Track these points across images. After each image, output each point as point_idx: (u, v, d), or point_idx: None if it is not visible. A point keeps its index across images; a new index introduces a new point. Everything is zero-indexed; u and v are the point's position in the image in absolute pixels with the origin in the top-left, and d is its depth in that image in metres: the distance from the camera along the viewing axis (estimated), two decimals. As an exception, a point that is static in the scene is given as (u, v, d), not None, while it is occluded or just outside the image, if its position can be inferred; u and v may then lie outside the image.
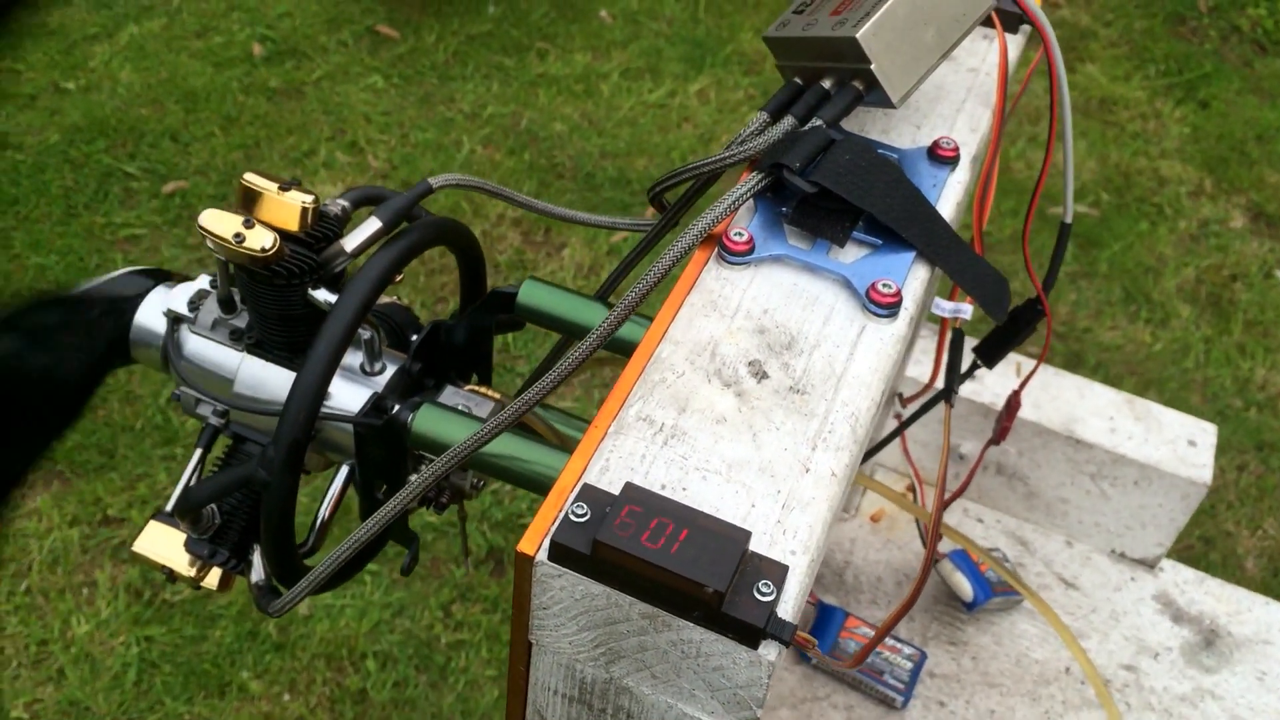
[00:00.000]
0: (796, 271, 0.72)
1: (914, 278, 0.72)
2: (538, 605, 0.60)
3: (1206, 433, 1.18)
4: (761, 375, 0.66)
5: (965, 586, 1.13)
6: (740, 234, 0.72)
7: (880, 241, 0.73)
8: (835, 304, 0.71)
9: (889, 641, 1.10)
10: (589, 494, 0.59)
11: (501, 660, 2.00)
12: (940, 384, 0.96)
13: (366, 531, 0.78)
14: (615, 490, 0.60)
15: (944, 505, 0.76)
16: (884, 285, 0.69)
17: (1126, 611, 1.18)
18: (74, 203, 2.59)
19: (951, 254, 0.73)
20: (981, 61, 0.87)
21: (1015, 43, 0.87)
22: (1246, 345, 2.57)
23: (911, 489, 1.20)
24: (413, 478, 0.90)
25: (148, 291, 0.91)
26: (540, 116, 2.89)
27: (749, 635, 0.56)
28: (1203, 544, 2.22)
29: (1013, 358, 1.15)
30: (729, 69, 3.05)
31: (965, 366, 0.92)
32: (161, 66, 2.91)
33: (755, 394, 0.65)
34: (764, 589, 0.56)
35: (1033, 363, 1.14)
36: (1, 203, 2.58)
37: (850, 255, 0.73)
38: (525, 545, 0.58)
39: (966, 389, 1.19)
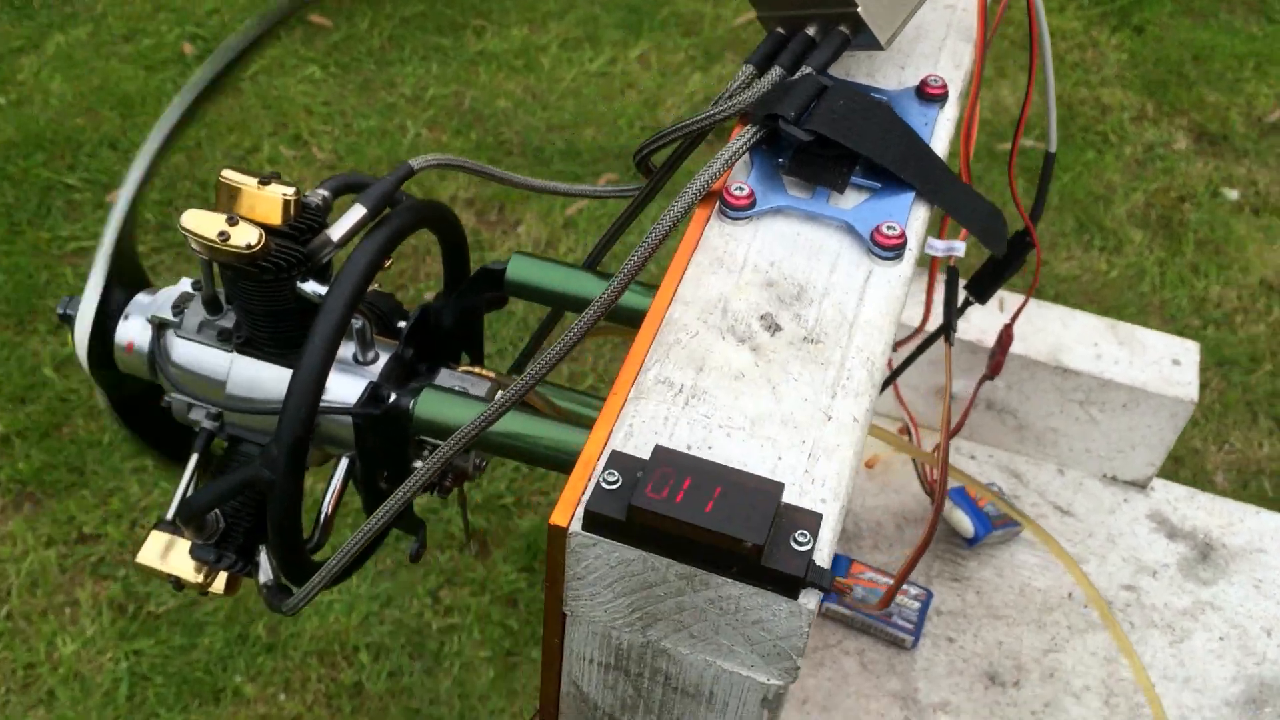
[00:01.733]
0: (799, 221, 0.72)
1: (915, 218, 0.72)
2: (572, 576, 0.60)
3: (1189, 351, 1.20)
4: (775, 328, 0.66)
5: (966, 523, 1.15)
6: (741, 188, 0.72)
7: (879, 185, 0.73)
8: (840, 250, 0.71)
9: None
10: (618, 460, 0.59)
11: (494, 640, 2.00)
12: (930, 325, 0.97)
13: (379, 520, 0.78)
14: (642, 455, 0.60)
15: (944, 446, 0.77)
16: (888, 228, 0.70)
17: (1122, 533, 1.20)
18: (17, 220, 2.54)
19: (949, 191, 0.73)
20: (955, -2, 0.87)
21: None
22: (1199, 264, 2.60)
23: (906, 431, 1.21)
24: (417, 464, 0.89)
25: (128, 301, 0.90)
26: (483, 94, 2.87)
27: (789, 586, 0.56)
28: (1172, 462, 2.26)
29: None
30: (668, 32, 3.03)
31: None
32: (92, 74, 2.85)
33: (770, 347, 0.65)
34: (800, 539, 0.56)
35: (1014, 297, 1.15)
36: (-58, 225, 2.53)
37: (850, 201, 0.73)
38: (557, 517, 0.58)
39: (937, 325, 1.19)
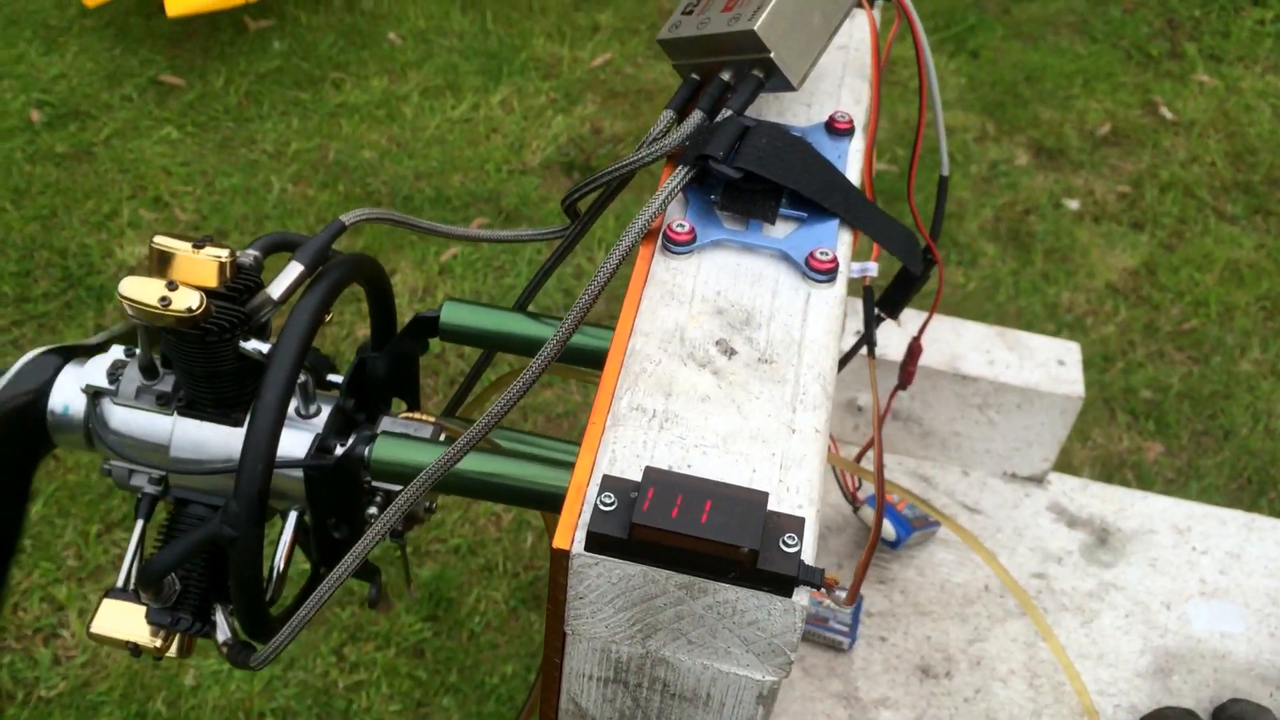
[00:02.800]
0: (738, 253, 0.77)
1: (841, 243, 0.78)
2: (574, 595, 0.63)
3: (1071, 351, 1.30)
4: (730, 352, 0.71)
5: (888, 527, 1.21)
6: (682, 225, 0.76)
7: (805, 214, 0.79)
8: (779, 277, 0.76)
9: (828, 591, 1.16)
10: (611, 483, 0.62)
11: (403, 693, 1.99)
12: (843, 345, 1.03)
13: (347, 568, 0.79)
14: (629, 477, 0.63)
15: (877, 452, 0.83)
16: (821, 253, 0.75)
17: (1027, 525, 1.28)
18: None
19: (868, 217, 0.79)
20: (849, 38, 0.93)
21: (876, 16, 0.95)
22: (1049, 272, 2.75)
23: (820, 445, 1.27)
24: (371, 511, 0.91)
25: (56, 373, 0.90)
26: (347, 146, 2.87)
27: (783, 585, 0.60)
28: (1045, 461, 2.38)
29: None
30: (527, 76, 3.08)
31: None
32: (-64, 146, 2.76)
33: (729, 370, 0.70)
34: (789, 541, 0.61)
35: (911, 313, 1.22)
36: None
37: (781, 230, 0.78)
38: (559, 541, 0.61)
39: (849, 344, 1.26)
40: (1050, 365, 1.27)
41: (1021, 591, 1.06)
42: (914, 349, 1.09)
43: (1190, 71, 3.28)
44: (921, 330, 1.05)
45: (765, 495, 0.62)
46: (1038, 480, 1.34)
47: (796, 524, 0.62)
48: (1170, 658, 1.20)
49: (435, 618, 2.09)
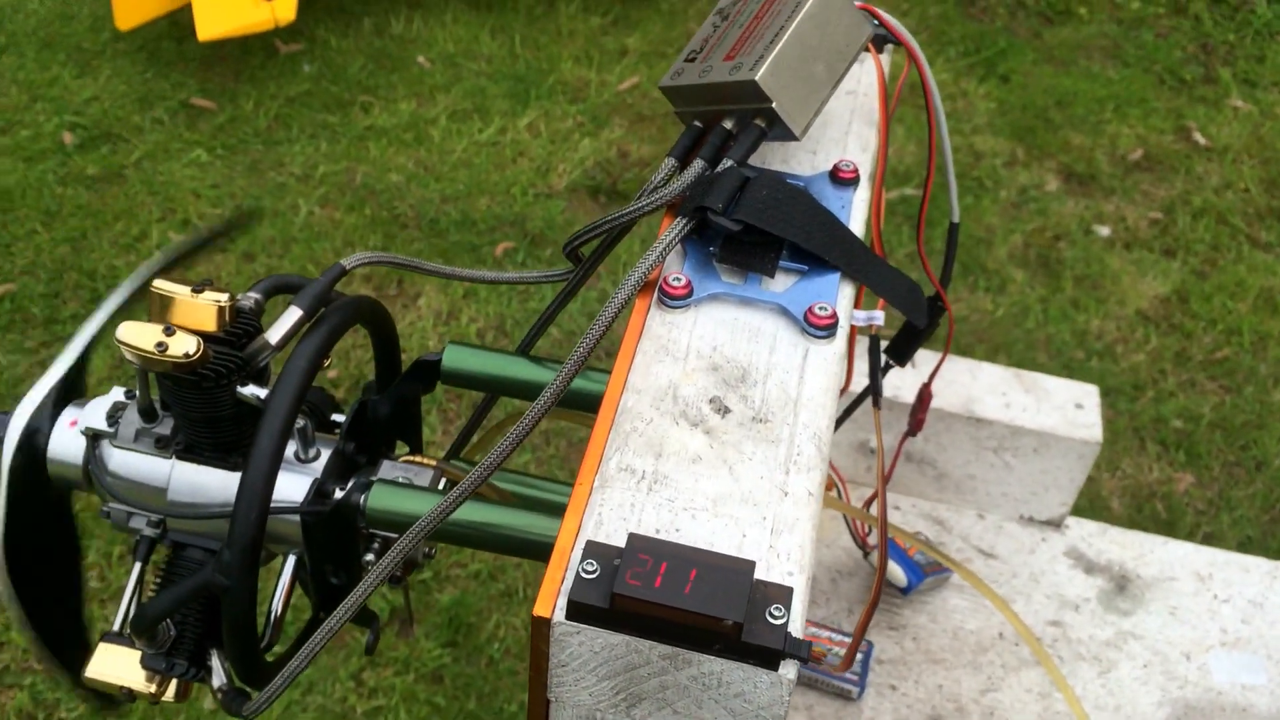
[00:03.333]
0: (735, 307, 0.76)
1: (842, 296, 0.77)
2: (556, 664, 0.62)
3: (1090, 394, 1.27)
4: (724, 410, 0.69)
5: (899, 573, 1.19)
6: (678, 278, 0.75)
7: (806, 267, 0.77)
8: (777, 332, 0.74)
9: (837, 637, 1.14)
10: (594, 549, 0.61)
11: (421, 719, 1.99)
12: (853, 387, 1.01)
13: (340, 619, 0.79)
14: (614, 543, 0.62)
15: (881, 507, 0.81)
16: (820, 309, 0.74)
17: (1044, 571, 1.26)
18: (-97, 324, 2.46)
19: (871, 270, 0.77)
20: (858, 84, 0.92)
21: (884, 60, 0.93)
22: (1079, 299, 2.72)
23: (832, 486, 1.25)
24: (368, 556, 0.90)
25: (55, 418, 0.90)
26: (374, 169, 2.88)
27: (768, 658, 0.59)
28: (1072, 493, 2.35)
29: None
30: (554, 99, 3.09)
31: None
32: (-31, 169, 2.79)
33: (722, 429, 0.68)
34: (775, 613, 0.59)
35: (925, 354, 1.20)
36: None
37: (781, 284, 0.77)
38: (540, 609, 0.60)
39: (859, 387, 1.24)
40: (1068, 409, 1.25)
41: (1035, 640, 1.04)
42: (924, 396, 1.07)
43: (1224, 96, 3.24)
44: (932, 376, 1.03)
45: (752, 564, 0.60)
46: (1055, 524, 1.32)
47: (784, 594, 0.60)
48: (1190, 710, 1.17)
49: (454, 644, 2.08)
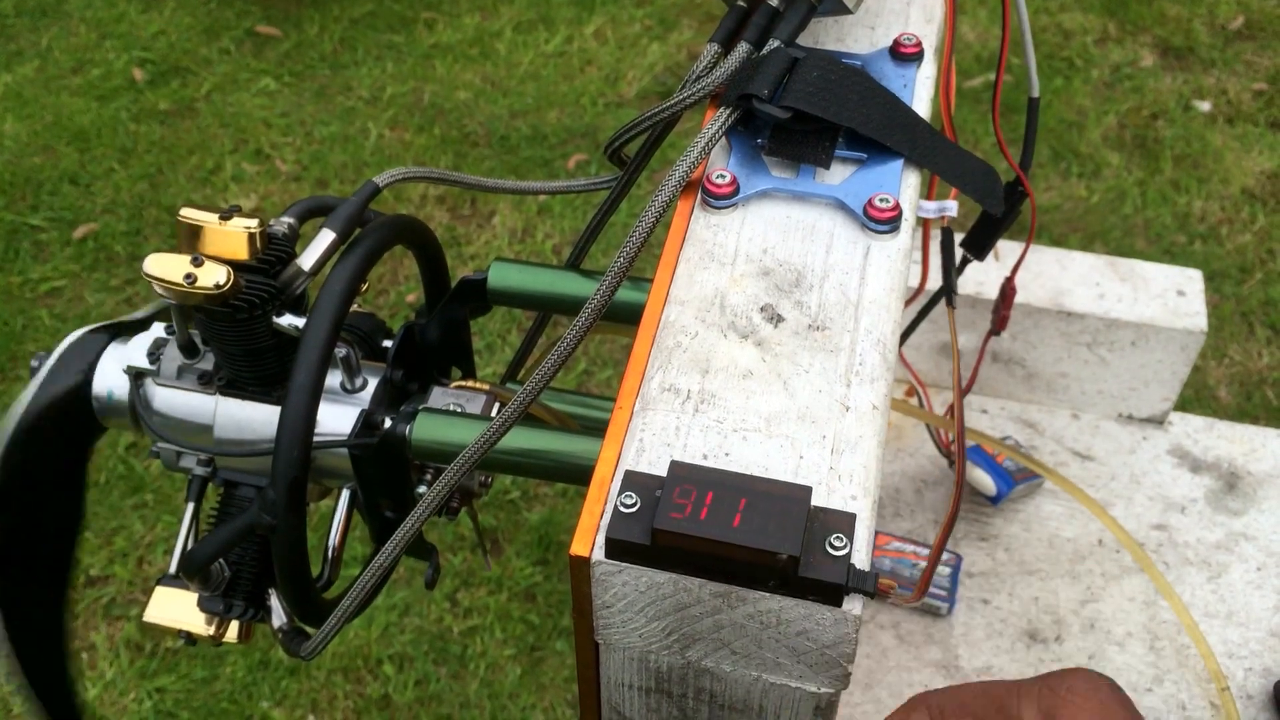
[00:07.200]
0: (787, 203, 0.69)
1: (906, 185, 0.69)
2: (600, 605, 0.57)
3: (1193, 280, 1.18)
4: (777, 319, 0.63)
5: (987, 481, 1.12)
6: (723, 175, 0.68)
7: (865, 155, 0.70)
8: (834, 229, 0.67)
9: (923, 551, 1.08)
10: (634, 480, 0.56)
11: (517, 637, 1.98)
12: (929, 285, 0.94)
13: (388, 556, 0.75)
14: (657, 471, 0.57)
15: (959, 422, 0.74)
16: (881, 200, 0.66)
17: (1145, 472, 1.18)
18: (-15, 267, 2.50)
19: (938, 154, 0.70)
20: (919, -51, 0.83)
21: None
22: (1179, 180, 2.58)
23: (914, 392, 1.18)
24: (421, 489, 0.86)
25: (100, 354, 0.86)
26: (442, 88, 2.82)
27: (830, 594, 0.53)
28: (1178, 384, 2.24)
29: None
30: (621, 5, 2.99)
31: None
32: (44, 110, 2.80)
33: (775, 340, 0.62)
34: (836, 543, 0.53)
35: (1007, 245, 1.12)
36: (-91, 282, 2.48)
37: (838, 175, 0.70)
38: (578, 547, 0.55)
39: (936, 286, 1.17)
40: (1168, 296, 1.16)
41: (1137, 546, 0.97)
42: (1008, 291, 0.99)
43: (1337, -48, 3.02)
44: (1015, 269, 0.95)
45: (808, 490, 0.54)
46: (1157, 422, 1.23)
47: (846, 522, 0.54)
48: (1310, 614, 1.10)
49: (546, 561, 2.08)
